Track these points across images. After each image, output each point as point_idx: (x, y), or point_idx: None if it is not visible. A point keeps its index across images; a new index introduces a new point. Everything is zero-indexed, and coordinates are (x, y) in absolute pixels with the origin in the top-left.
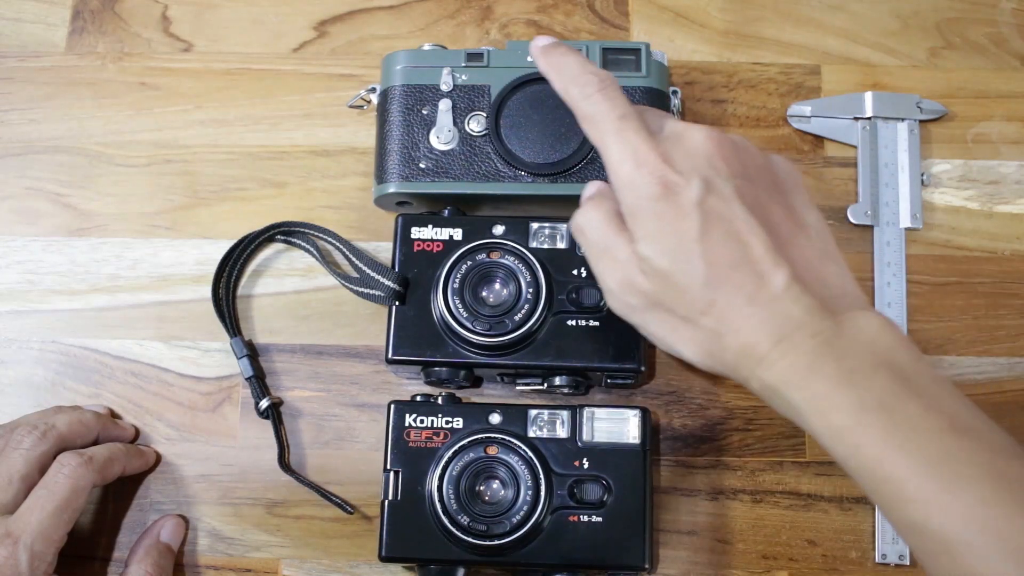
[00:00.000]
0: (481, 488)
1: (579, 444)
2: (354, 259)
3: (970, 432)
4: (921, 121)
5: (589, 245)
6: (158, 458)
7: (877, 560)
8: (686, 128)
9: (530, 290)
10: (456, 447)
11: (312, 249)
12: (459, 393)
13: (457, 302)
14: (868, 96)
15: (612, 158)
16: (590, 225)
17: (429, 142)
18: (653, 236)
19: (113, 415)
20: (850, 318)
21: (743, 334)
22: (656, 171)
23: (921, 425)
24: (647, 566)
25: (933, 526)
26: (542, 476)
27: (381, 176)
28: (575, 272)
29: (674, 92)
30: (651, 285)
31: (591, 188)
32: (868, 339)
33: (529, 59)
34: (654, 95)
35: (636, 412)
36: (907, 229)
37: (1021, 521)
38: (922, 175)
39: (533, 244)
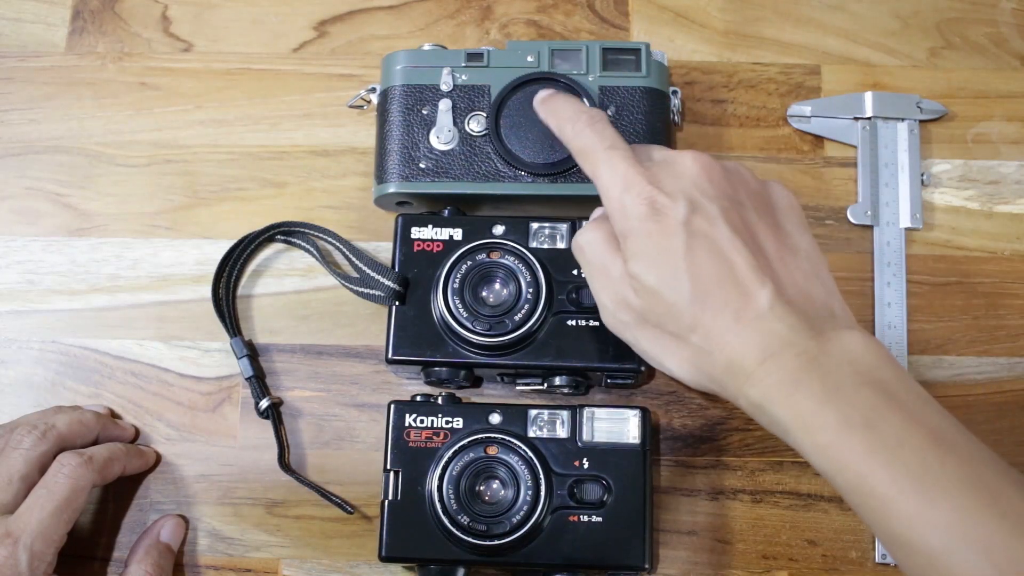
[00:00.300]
0: (481, 488)
1: (579, 444)
2: (354, 259)
3: (953, 446)
4: (921, 121)
5: (587, 263)
6: (158, 458)
7: (877, 560)
8: (676, 154)
9: (530, 290)
10: (456, 447)
11: (312, 249)
12: (459, 393)
13: (457, 302)
14: (868, 96)
15: (602, 184)
16: (588, 245)
17: (429, 142)
18: (642, 254)
19: (113, 415)
20: (835, 337)
21: (730, 351)
22: (643, 192)
23: (904, 440)
24: (647, 566)
25: (917, 539)
26: (542, 476)
27: (381, 176)
28: (575, 272)
29: (674, 92)
30: (641, 302)
31: (595, 213)
32: (852, 357)
33: (529, 59)
34: (654, 95)
35: (636, 412)
36: (907, 229)
37: (1004, 533)
38: (922, 175)
39: (533, 244)
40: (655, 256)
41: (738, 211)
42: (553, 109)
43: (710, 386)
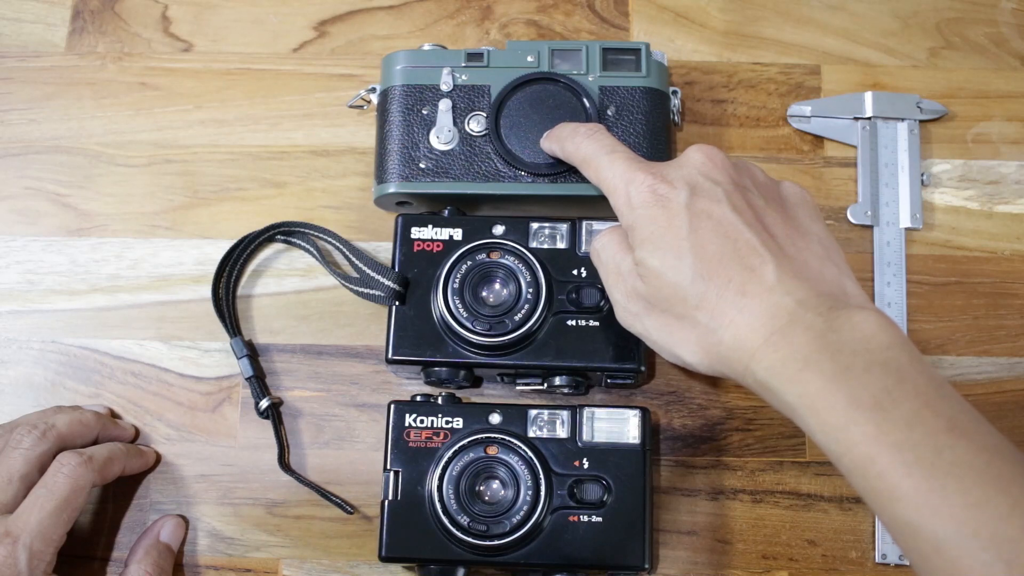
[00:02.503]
0: (481, 488)
1: (579, 444)
2: (354, 259)
3: (966, 433)
4: (921, 121)
5: (601, 265)
6: (158, 458)
7: (877, 560)
8: (681, 154)
9: (530, 290)
10: (456, 447)
11: (312, 249)
12: (459, 393)
13: (457, 302)
14: (868, 96)
15: (607, 185)
16: (603, 248)
17: (429, 142)
18: (646, 239)
19: (113, 415)
20: (846, 314)
21: (736, 327)
22: (646, 183)
23: (916, 425)
24: (647, 566)
25: (924, 526)
26: (542, 476)
27: (381, 176)
28: (575, 272)
29: (674, 92)
30: (648, 287)
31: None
32: (864, 336)
33: (529, 59)
34: (654, 95)
35: (636, 412)
36: (907, 229)
37: (1015, 525)
38: (922, 175)
39: (533, 244)
40: (659, 239)
41: (744, 195)
42: (553, 137)
43: (720, 368)
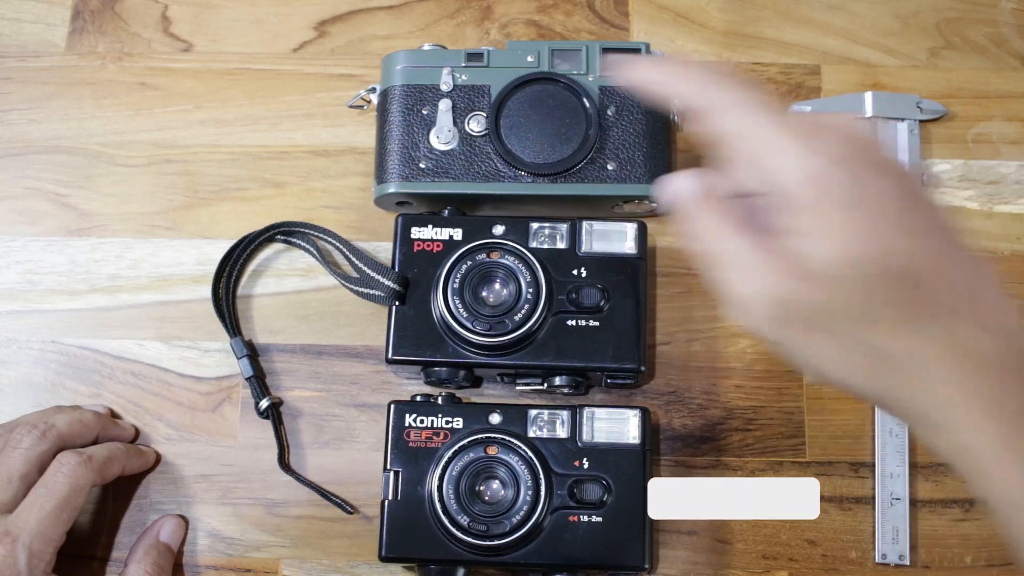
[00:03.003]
0: (481, 488)
1: (579, 444)
2: (354, 259)
3: None
4: (921, 121)
5: (711, 253)
6: (158, 458)
7: (877, 560)
8: (835, 119)
9: (530, 290)
10: (456, 447)
11: (312, 249)
12: (459, 393)
13: (457, 302)
14: (868, 96)
15: (770, 153)
16: (710, 231)
17: (429, 142)
18: (839, 231)
19: (113, 415)
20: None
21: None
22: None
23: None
24: (647, 566)
25: None
26: (542, 476)
27: (381, 176)
28: (575, 272)
29: None
30: (824, 295)
31: (682, 185)
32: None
33: (529, 59)
34: None
35: (636, 412)
36: None
37: None
38: (922, 175)
39: (533, 244)
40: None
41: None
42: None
43: (882, 398)
